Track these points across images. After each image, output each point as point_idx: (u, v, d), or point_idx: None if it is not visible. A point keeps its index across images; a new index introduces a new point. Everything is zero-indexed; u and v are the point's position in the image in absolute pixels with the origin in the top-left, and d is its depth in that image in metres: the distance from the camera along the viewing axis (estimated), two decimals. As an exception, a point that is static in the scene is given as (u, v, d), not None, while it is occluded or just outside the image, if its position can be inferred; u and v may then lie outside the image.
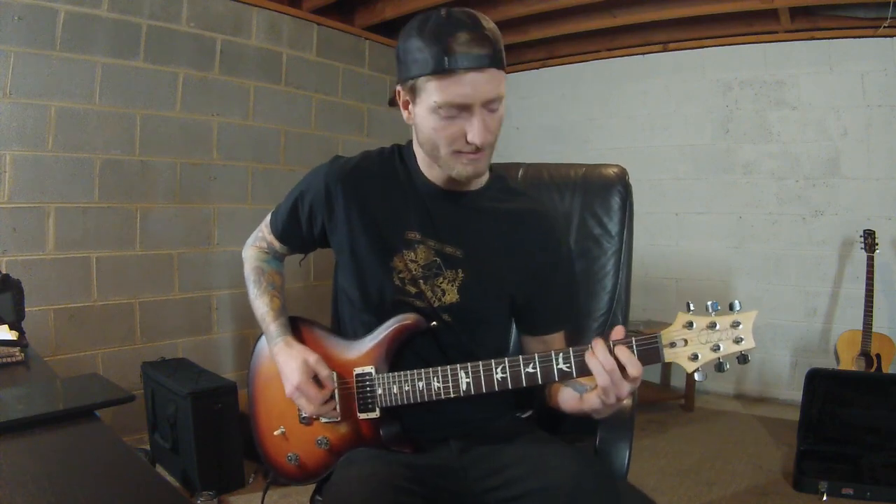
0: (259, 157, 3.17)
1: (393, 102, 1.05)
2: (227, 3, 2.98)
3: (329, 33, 3.50)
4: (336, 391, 1.06)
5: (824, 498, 2.22)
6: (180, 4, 2.80)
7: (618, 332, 0.90)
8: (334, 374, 1.06)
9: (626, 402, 1.17)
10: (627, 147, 3.85)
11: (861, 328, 2.84)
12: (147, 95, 2.70)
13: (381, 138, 3.80)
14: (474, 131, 0.93)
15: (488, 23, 0.93)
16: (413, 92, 0.95)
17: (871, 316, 2.81)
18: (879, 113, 3.14)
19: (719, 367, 0.88)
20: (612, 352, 0.88)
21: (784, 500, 2.25)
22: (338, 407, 1.06)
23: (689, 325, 0.88)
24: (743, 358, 0.87)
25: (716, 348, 0.87)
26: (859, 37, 3.12)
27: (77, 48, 2.46)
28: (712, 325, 0.87)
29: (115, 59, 2.58)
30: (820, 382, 2.47)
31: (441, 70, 0.89)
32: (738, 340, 0.87)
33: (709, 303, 0.88)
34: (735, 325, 0.87)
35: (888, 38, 3.05)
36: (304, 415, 1.09)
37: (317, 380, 1.05)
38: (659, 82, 3.74)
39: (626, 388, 0.88)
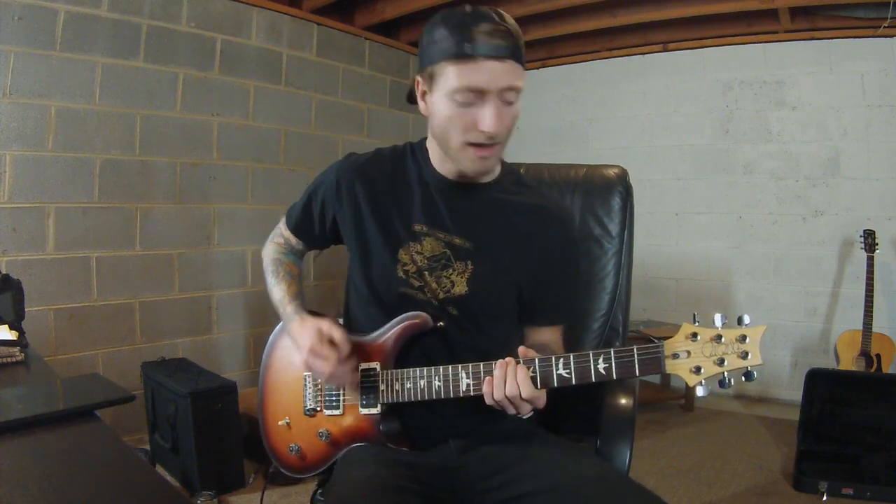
0: (259, 157, 3.17)
1: (411, 98, 1.05)
2: (227, 3, 2.98)
3: (329, 33, 3.50)
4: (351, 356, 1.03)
5: (824, 498, 2.22)
6: (180, 4, 2.80)
7: (523, 352, 0.94)
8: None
9: (626, 402, 1.18)
10: (627, 147, 3.85)
11: (861, 328, 2.84)
12: (147, 95, 2.70)
13: (381, 138, 3.79)
14: (487, 118, 0.93)
15: (511, 21, 0.95)
16: (431, 78, 0.96)
17: (871, 316, 2.81)
18: (879, 113, 3.14)
19: (723, 382, 0.85)
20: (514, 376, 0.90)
21: (784, 500, 2.25)
22: (347, 388, 1.06)
23: (694, 336, 0.86)
24: (749, 374, 0.84)
25: (720, 362, 0.84)
26: (859, 37, 3.12)
27: (77, 48, 2.46)
28: (717, 338, 0.85)
29: (115, 59, 2.58)
30: (820, 382, 2.47)
31: (461, 55, 0.91)
32: (744, 355, 0.83)
33: (716, 315, 0.86)
34: (742, 339, 0.84)
35: (888, 38, 3.05)
36: (308, 406, 1.10)
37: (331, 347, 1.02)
38: (659, 82, 3.74)
39: (524, 407, 0.92)
